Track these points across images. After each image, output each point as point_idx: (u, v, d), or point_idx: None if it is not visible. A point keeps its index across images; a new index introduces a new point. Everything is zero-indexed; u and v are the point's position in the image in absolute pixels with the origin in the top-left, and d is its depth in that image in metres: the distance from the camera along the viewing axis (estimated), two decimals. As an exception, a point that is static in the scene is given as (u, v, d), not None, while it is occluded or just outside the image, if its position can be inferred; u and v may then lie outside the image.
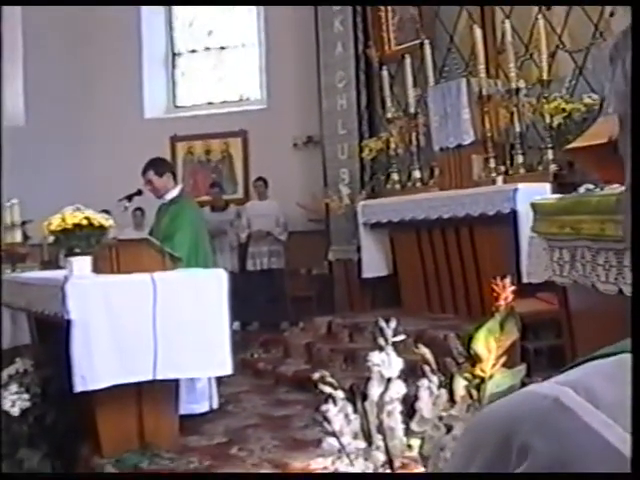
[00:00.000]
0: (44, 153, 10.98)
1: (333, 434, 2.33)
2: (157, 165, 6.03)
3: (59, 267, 6.84)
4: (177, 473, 4.78)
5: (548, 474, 0.42)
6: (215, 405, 5.88)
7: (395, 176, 8.62)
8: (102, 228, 5.06)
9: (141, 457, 4.81)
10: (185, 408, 5.47)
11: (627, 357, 0.47)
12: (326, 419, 2.37)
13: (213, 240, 9.23)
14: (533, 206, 2.90)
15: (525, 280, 3.28)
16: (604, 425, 0.43)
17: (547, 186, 6.40)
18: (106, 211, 6.72)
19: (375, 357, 2.58)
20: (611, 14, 6.68)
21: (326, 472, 2.36)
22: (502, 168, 7.24)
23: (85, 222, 4.98)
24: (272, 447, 5.11)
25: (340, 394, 2.45)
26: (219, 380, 5.93)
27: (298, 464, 4.63)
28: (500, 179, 7.12)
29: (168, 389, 5.02)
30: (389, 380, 2.53)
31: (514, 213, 6.24)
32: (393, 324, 2.61)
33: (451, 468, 0.52)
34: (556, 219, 2.71)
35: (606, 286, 2.57)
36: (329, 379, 2.45)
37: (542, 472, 0.43)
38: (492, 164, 7.29)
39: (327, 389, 2.44)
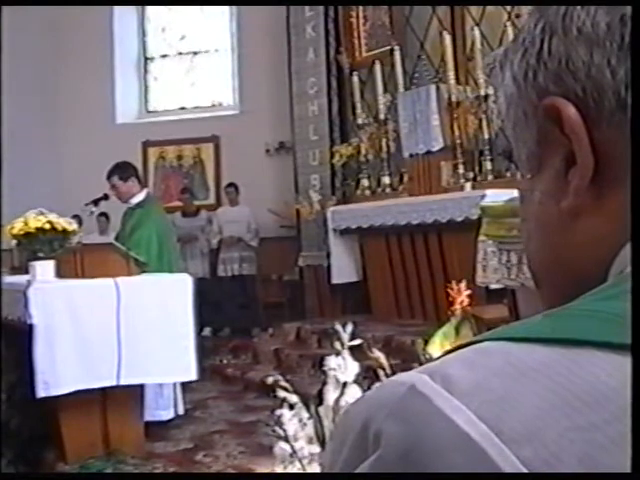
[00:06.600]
0: (14, 157, 10.84)
1: (285, 438, 2.33)
2: (121, 169, 5.96)
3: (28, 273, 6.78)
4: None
5: (547, 474, 0.42)
6: (180, 411, 5.86)
7: (365, 182, 8.63)
8: (65, 232, 5.01)
9: (105, 463, 4.77)
10: (152, 414, 5.44)
11: (487, 344, 0.48)
12: (280, 423, 2.37)
13: (184, 246, 9.21)
14: (482, 209, 2.92)
15: (478, 283, 3.30)
16: (455, 410, 0.43)
17: (515, 192, 6.43)
18: (77, 216, 6.69)
19: (331, 361, 2.58)
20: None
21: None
22: (471, 174, 7.28)
23: (48, 226, 4.93)
24: (238, 453, 5.10)
25: (294, 398, 2.44)
26: (186, 386, 5.91)
27: (263, 470, 4.61)
28: (468, 185, 7.16)
29: (133, 395, 4.99)
30: (345, 384, 2.53)
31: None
32: (349, 328, 2.61)
33: (325, 460, 0.52)
34: (504, 222, 2.73)
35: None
36: (283, 383, 2.44)
37: (395, 458, 0.43)
38: (461, 170, 7.33)
39: (281, 393, 2.44)
